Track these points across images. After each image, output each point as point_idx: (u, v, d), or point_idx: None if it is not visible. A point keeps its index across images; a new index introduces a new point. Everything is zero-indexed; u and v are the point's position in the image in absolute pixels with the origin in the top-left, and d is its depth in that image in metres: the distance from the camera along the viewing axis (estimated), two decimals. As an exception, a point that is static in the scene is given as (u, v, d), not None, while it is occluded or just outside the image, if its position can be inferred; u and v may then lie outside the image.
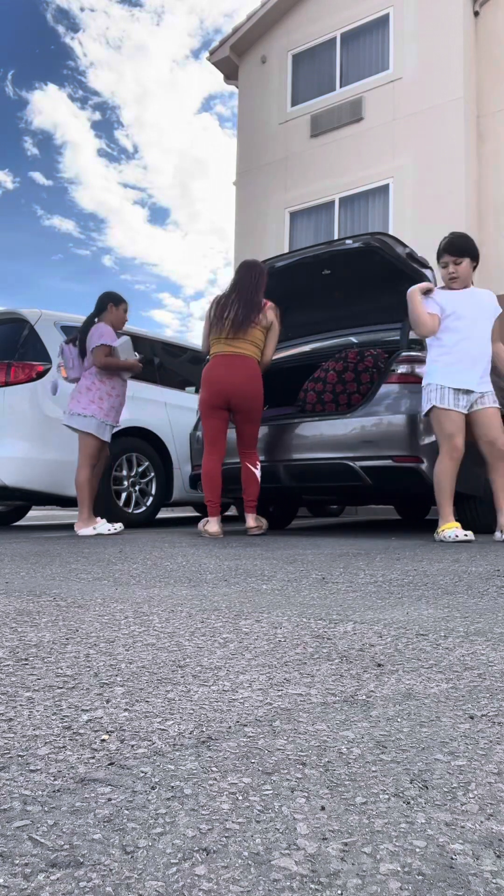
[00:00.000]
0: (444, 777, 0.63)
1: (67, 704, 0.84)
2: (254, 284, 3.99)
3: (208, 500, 3.98)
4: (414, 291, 3.62)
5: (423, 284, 3.66)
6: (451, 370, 3.53)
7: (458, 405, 3.50)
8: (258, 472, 3.99)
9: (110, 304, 4.34)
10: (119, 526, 4.24)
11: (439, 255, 3.65)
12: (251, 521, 4.05)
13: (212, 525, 3.94)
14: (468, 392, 3.51)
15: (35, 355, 4.70)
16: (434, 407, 3.51)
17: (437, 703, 0.85)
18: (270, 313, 3.97)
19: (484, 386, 3.52)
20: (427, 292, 3.65)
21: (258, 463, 4.01)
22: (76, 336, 4.28)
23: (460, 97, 9.30)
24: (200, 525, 4.00)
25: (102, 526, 4.17)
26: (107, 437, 4.21)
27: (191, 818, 0.55)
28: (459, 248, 3.60)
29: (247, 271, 4.04)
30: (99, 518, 4.24)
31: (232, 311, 3.94)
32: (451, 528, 3.44)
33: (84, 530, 4.13)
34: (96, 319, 4.32)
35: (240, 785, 0.61)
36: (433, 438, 3.69)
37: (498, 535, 3.52)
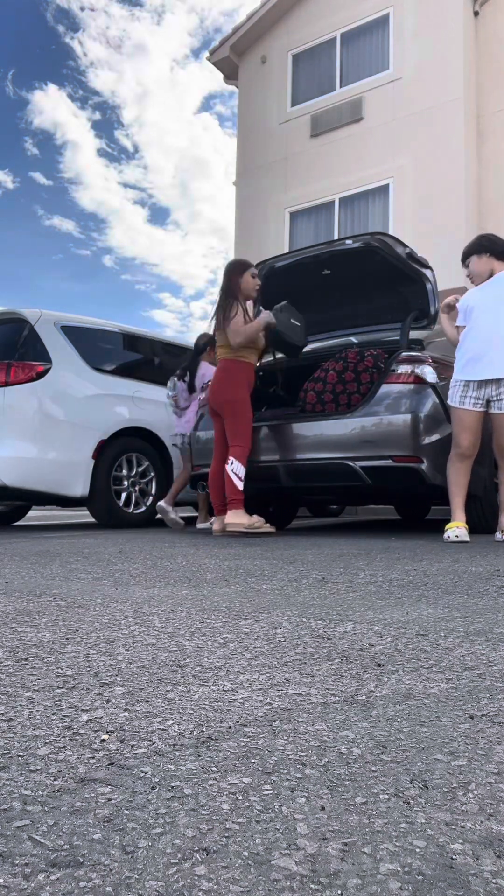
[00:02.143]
0: (444, 777, 0.63)
1: (67, 704, 0.84)
2: (224, 288, 4.14)
3: (212, 501, 4.20)
4: (440, 310, 3.81)
5: (444, 303, 3.79)
6: (460, 364, 3.61)
7: (466, 402, 3.52)
8: (229, 467, 3.92)
9: (209, 348, 5.20)
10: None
11: None
12: (228, 517, 3.94)
13: (216, 523, 4.15)
14: (483, 384, 3.51)
15: (35, 355, 4.70)
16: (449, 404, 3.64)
17: (437, 703, 0.85)
18: (235, 308, 4.04)
19: (500, 371, 3.48)
20: (450, 306, 3.76)
21: (231, 458, 3.94)
22: (184, 372, 5.12)
23: (460, 97, 9.30)
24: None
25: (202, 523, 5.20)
26: None
27: (191, 818, 0.55)
28: (465, 253, 3.73)
29: (224, 275, 4.19)
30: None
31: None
32: (451, 528, 3.44)
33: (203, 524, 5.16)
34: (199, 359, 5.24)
35: (240, 785, 0.61)
36: (433, 438, 3.69)
37: (498, 535, 3.52)
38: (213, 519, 5.37)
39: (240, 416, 4.02)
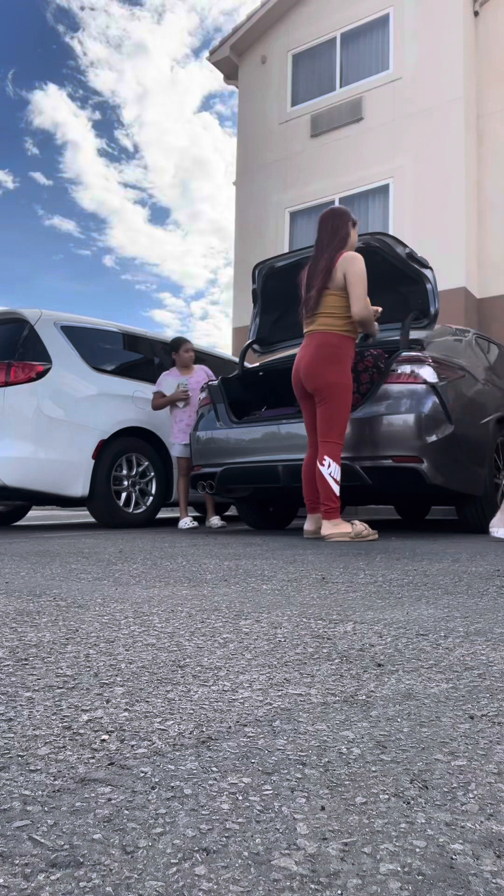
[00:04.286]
0: (444, 777, 0.63)
1: (67, 704, 0.84)
2: (328, 243, 3.58)
3: (305, 497, 3.76)
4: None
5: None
6: None
7: None
8: (325, 470, 3.48)
9: (173, 353, 5.38)
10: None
11: None
12: (326, 527, 3.49)
13: (306, 523, 3.73)
14: None
15: (35, 355, 4.70)
16: None
17: (437, 703, 0.85)
18: (339, 273, 3.52)
19: None
20: None
21: (326, 458, 3.48)
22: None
23: (460, 97, 9.30)
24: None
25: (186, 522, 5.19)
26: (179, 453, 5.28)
27: (191, 818, 0.55)
28: None
29: (322, 225, 3.64)
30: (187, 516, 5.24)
31: (313, 276, 3.61)
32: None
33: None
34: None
35: (240, 785, 0.61)
36: (433, 438, 3.69)
37: (494, 531, 3.52)
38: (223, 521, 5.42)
39: (341, 405, 3.49)
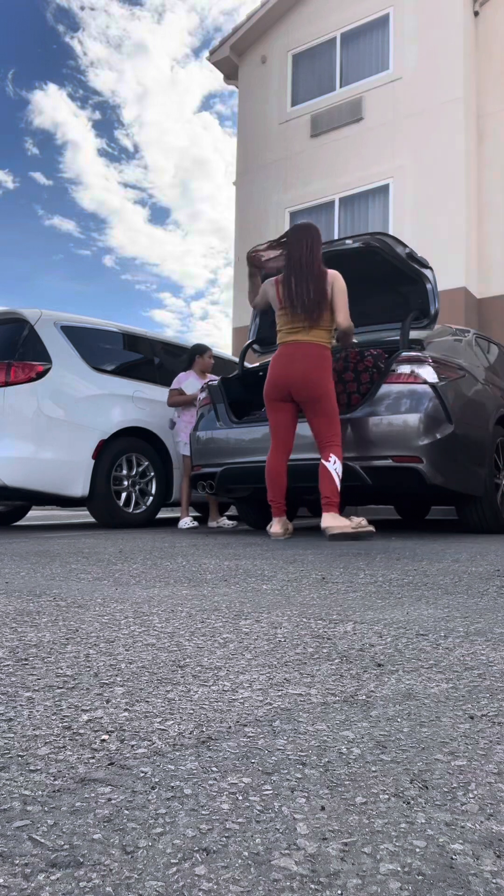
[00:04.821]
0: (444, 777, 0.63)
1: (67, 704, 0.84)
2: (311, 259, 3.70)
3: (269, 500, 3.85)
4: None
5: None
6: None
7: None
8: (332, 466, 3.60)
9: (196, 356, 5.49)
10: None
11: None
12: (326, 519, 3.59)
13: (273, 526, 3.81)
14: None
15: (35, 355, 4.70)
16: None
17: (437, 703, 0.85)
18: (329, 287, 3.69)
19: None
20: None
21: (332, 455, 3.61)
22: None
23: (460, 97, 9.30)
24: (267, 528, 3.88)
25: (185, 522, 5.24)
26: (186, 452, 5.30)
27: (191, 818, 0.55)
28: None
29: (297, 239, 3.75)
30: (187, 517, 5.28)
31: (301, 295, 3.70)
32: None
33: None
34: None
35: (240, 785, 0.61)
36: (433, 438, 3.69)
37: None
38: (213, 520, 5.42)
39: (335, 410, 3.70)
